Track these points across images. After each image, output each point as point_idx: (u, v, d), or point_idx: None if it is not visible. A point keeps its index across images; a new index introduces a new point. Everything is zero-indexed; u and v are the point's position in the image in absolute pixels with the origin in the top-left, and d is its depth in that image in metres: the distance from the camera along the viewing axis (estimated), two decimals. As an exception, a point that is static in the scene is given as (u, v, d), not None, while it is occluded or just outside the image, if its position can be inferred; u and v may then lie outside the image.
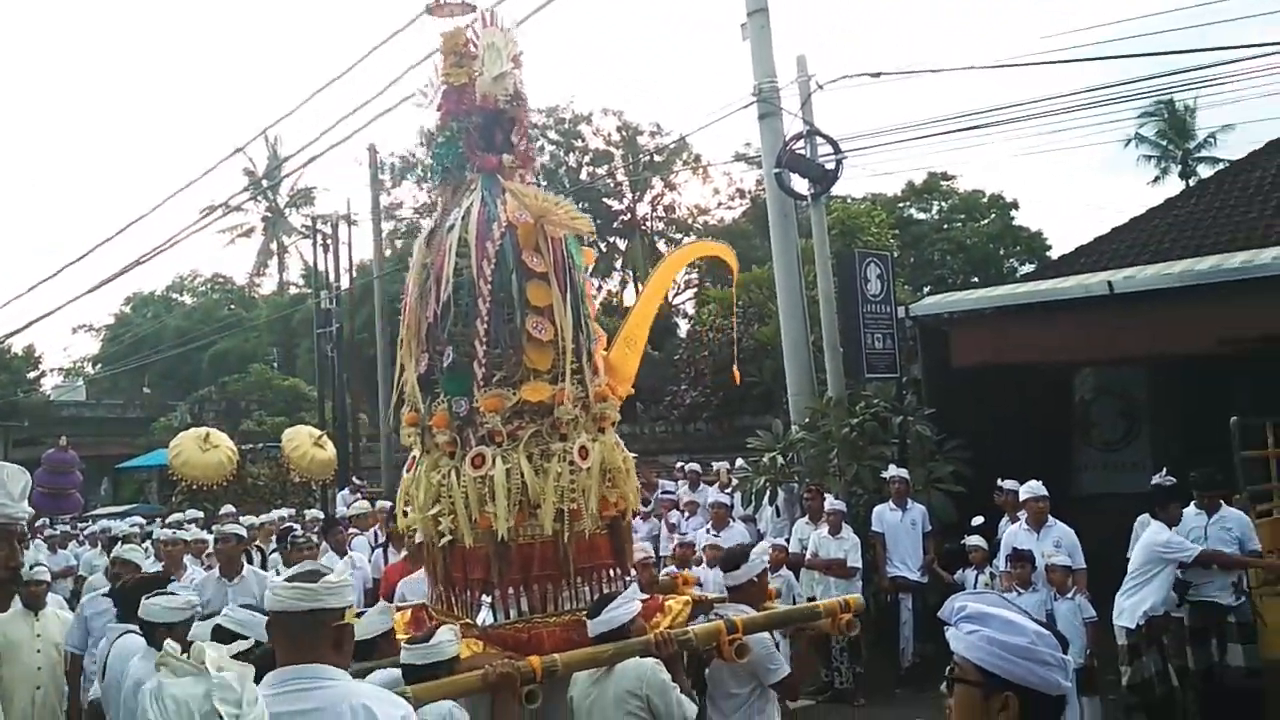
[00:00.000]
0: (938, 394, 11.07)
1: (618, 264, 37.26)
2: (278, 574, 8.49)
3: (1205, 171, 31.37)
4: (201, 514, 13.02)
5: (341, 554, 8.61)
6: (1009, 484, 8.84)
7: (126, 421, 32.56)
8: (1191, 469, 7.91)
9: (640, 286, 37.03)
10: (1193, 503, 7.58)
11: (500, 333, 4.94)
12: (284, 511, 13.76)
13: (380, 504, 12.50)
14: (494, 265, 4.92)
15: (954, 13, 62.95)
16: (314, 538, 8.16)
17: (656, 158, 35.23)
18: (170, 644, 2.40)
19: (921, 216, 33.31)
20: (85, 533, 15.74)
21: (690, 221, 36.62)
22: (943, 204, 34.46)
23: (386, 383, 22.46)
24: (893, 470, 9.93)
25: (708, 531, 9.76)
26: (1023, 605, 2.69)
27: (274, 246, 44.08)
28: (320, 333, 22.74)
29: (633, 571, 5.33)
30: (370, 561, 9.50)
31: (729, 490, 11.68)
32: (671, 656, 4.36)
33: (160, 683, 2.30)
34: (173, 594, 5.15)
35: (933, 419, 10.63)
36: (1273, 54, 11.40)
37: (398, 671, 4.10)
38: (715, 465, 13.28)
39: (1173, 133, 34.89)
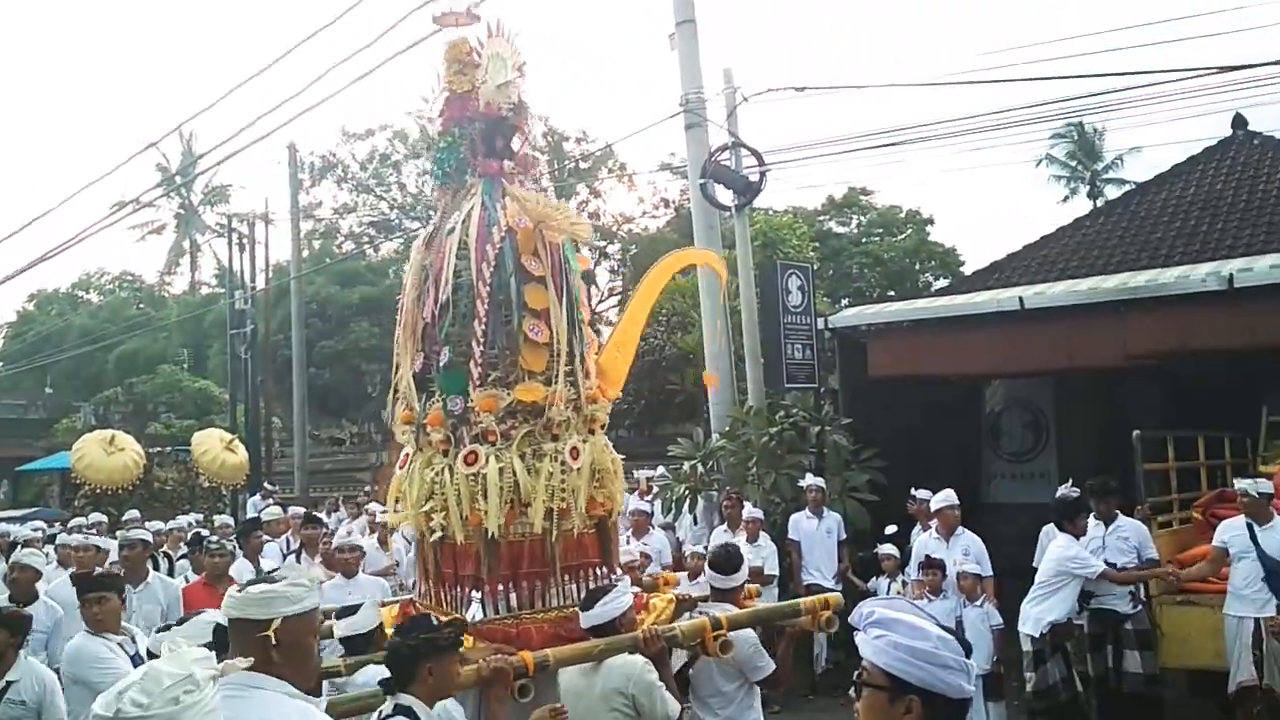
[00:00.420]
0: (854, 404, 11.25)
1: (541, 270, 37.18)
2: (186, 580, 8.28)
3: (1112, 192, 32.51)
4: (105, 519, 12.61)
5: (255, 560, 8.41)
6: (921, 493, 9.02)
7: (27, 423, 31.43)
8: (1106, 484, 8.18)
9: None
10: (1091, 514, 7.84)
11: (497, 334, 5.04)
12: (192, 517, 13.40)
13: (293, 510, 12.25)
14: (493, 268, 5.01)
15: (879, 31, 64.24)
16: (228, 544, 7.97)
17: (582, 164, 35.19)
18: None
19: (841, 230, 33.82)
20: (-19, 537, 15.10)
21: (615, 230, 36.65)
22: (861, 219, 35.04)
23: (302, 386, 22.08)
24: (810, 479, 10.05)
25: (627, 540, 9.76)
26: (933, 612, 2.75)
27: (186, 244, 42.95)
28: (234, 334, 22.23)
29: (619, 570, 5.41)
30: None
31: (649, 498, 11.71)
32: (659, 653, 4.43)
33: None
34: None
35: (849, 429, 10.80)
36: (1177, 80, 11.84)
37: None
38: (637, 473, 13.31)
39: (1082, 154, 36.09)
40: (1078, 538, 7.40)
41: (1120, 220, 14.36)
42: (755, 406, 11.78)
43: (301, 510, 12.09)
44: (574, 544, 4.99)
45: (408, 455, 5.32)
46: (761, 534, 9.46)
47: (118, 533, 9.64)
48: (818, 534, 9.77)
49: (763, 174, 12.74)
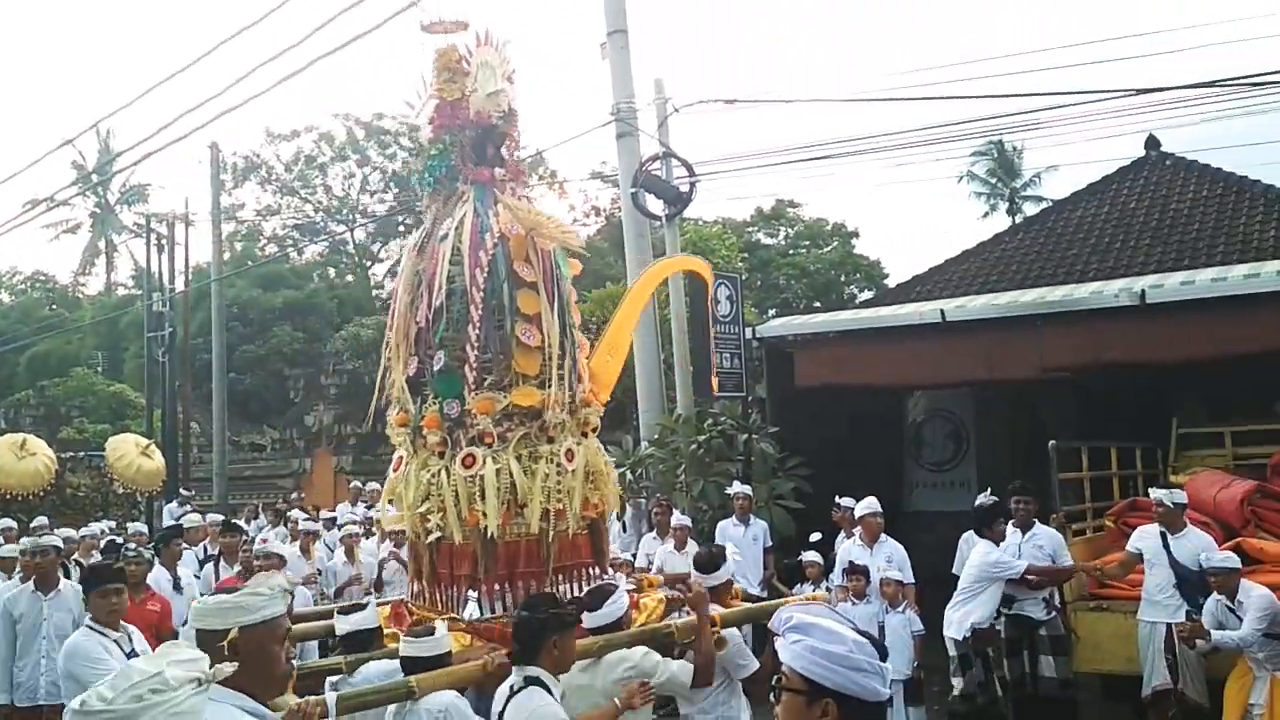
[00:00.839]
0: (781, 413, 11.38)
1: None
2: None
3: (1031, 209, 33.37)
4: (14, 525, 12.17)
5: (173, 568, 8.21)
6: (846, 501, 9.15)
7: (-70, 426, 30.16)
8: (1024, 489, 8.38)
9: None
10: (1010, 521, 8.03)
11: (491, 338, 5.13)
12: (105, 524, 13.02)
13: (211, 517, 11.98)
14: (486, 274, 5.09)
15: (810, 46, 65.13)
16: (144, 551, 7.76)
17: (512, 170, 35.06)
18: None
19: (769, 241, 34.18)
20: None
21: (544, 236, 36.59)
22: (789, 230, 35.47)
23: (222, 390, 21.58)
24: (737, 487, 10.13)
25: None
26: (856, 617, 2.80)
27: (102, 244, 41.74)
28: (151, 337, 21.66)
29: (610, 570, 5.50)
30: (200, 576, 9.08)
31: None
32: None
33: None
34: None
35: (776, 437, 10.91)
36: (1094, 101, 12.22)
37: (394, 663, 4.29)
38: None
39: (1001, 171, 37.00)
40: (996, 543, 7.57)
41: (1038, 237, 14.76)
42: (684, 415, 11.84)
43: (220, 518, 11.82)
44: (568, 544, 5.09)
45: (401, 458, 5.36)
46: (690, 541, 9.51)
47: (24, 540, 9.33)
48: (744, 541, 9.83)
49: (693, 184, 12.84)
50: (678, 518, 9.70)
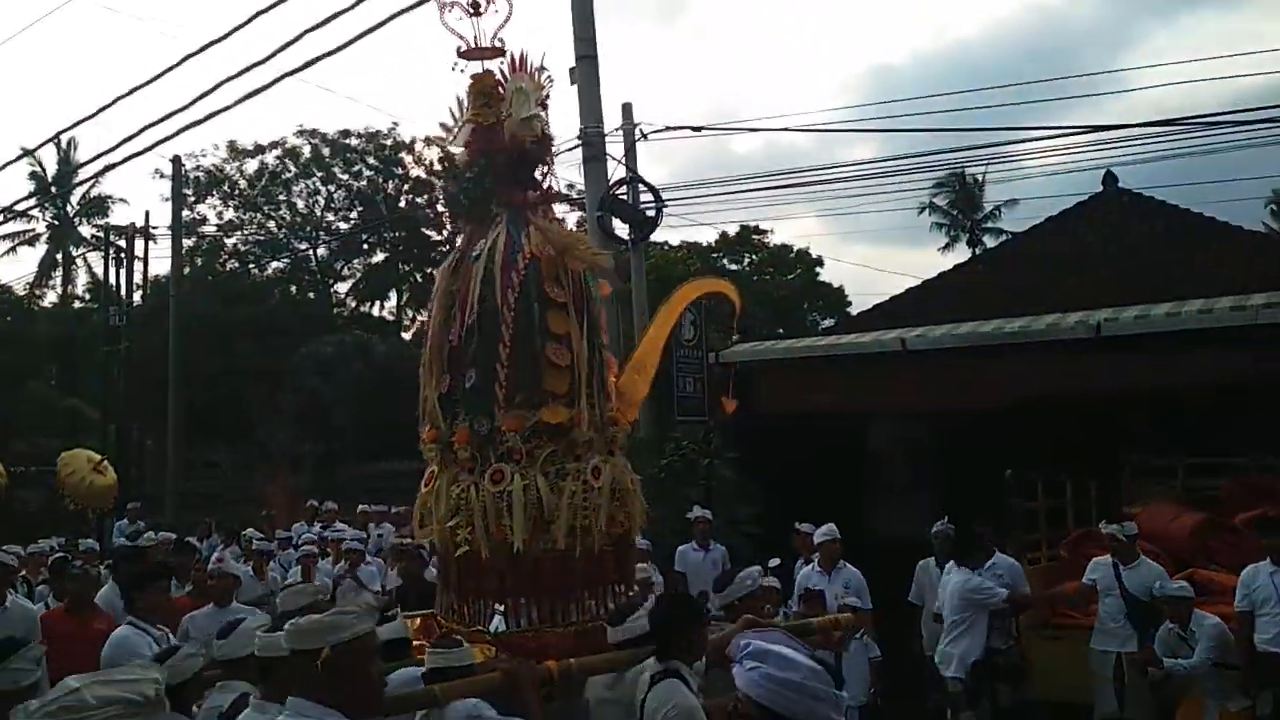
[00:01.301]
0: (742, 439, 11.42)
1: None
2: (46, 606, 7.87)
3: (991, 241, 33.88)
4: (-41, 541, 11.91)
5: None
6: (805, 526, 9.18)
7: (-123, 438, 29.44)
8: (971, 517, 8.47)
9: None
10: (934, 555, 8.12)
11: (522, 357, 5.21)
12: (54, 541, 12.77)
13: (164, 535, 11.79)
14: (517, 294, 5.22)
15: (779, 73, 65.82)
16: (90, 569, 7.63)
17: (479, 191, 35.01)
18: None
19: (733, 267, 34.40)
20: None
21: (509, 257, 36.54)
22: (753, 257, 35.72)
23: (179, 406, 21.30)
24: (697, 511, 10.13)
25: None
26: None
27: (60, 257, 41.10)
28: (108, 351, 21.35)
29: (636, 588, 5.57)
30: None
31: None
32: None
33: None
34: None
35: (736, 462, 10.94)
36: (1054, 137, 12.46)
37: (416, 671, 4.40)
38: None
39: (962, 203, 37.52)
40: (973, 569, 7.59)
41: (997, 269, 14.99)
42: (645, 438, 11.85)
43: (172, 535, 11.64)
44: (594, 561, 5.14)
45: (432, 473, 5.48)
46: (649, 565, 9.48)
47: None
48: (703, 565, 9.83)
49: (659, 209, 12.92)
50: (637, 541, 9.66)
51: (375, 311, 36.69)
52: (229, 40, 7.51)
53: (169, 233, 23.19)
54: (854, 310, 26.11)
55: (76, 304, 38.13)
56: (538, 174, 5.73)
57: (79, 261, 39.56)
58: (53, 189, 34.55)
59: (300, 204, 35.05)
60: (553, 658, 4.48)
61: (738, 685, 2.24)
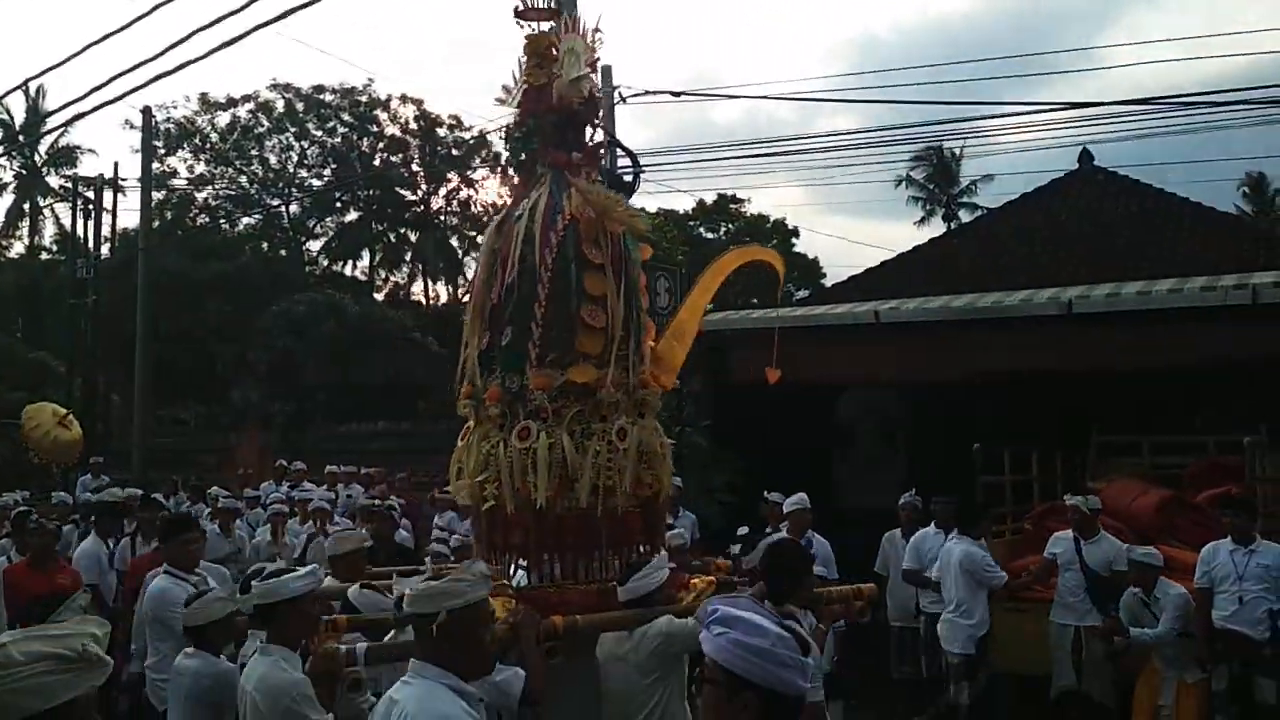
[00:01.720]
0: (715, 407, 11.44)
1: (407, 256, 36.39)
2: (9, 560, 7.80)
3: (966, 216, 34.01)
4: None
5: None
6: (774, 496, 9.22)
7: None
8: (940, 489, 8.54)
9: (430, 281, 36.42)
10: (933, 523, 8.16)
11: (557, 317, 5.26)
12: (17, 495, 12.63)
13: (129, 491, 11.69)
14: (555, 255, 5.25)
15: (761, 41, 65.47)
16: (47, 523, 7.57)
17: (455, 152, 34.68)
18: None
19: (710, 236, 34.37)
20: None
21: (486, 219, 36.23)
22: (730, 226, 35.68)
23: (146, 361, 21.06)
24: (668, 478, 10.13)
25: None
26: (781, 611, 2.82)
27: (27, 207, 40.41)
28: (75, 304, 21.05)
29: (662, 550, 5.54)
30: (116, 551, 8.83)
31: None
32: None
33: None
34: None
35: (710, 431, 10.97)
36: (1031, 113, 12.45)
37: None
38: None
39: (939, 177, 37.61)
40: (977, 539, 7.60)
41: (972, 244, 15.03)
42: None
43: (138, 492, 11.54)
44: (619, 521, 5.18)
45: (468, 429, 5.55)
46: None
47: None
48: (673, 534, 9.86)
49: (637, 175, 12.78)
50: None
51: (348, 271, 36.39)
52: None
53: (138, 185, 22.76)
54: (829, 281, 26.16)
55: (43, 255, 37.57)
56: (585, 135, 5.73)
57: (46, 212, 38.94)
58: (20, 137, 33.90)
59: (273, 159, 34.61)
60: (573, 613, 4.54)
61: (705, 651, 2.24)
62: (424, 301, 36.21)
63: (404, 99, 34.36)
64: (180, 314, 26.43)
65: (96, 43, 8.50)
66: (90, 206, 22.43)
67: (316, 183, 34.65)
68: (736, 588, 5.36)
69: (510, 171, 33.73)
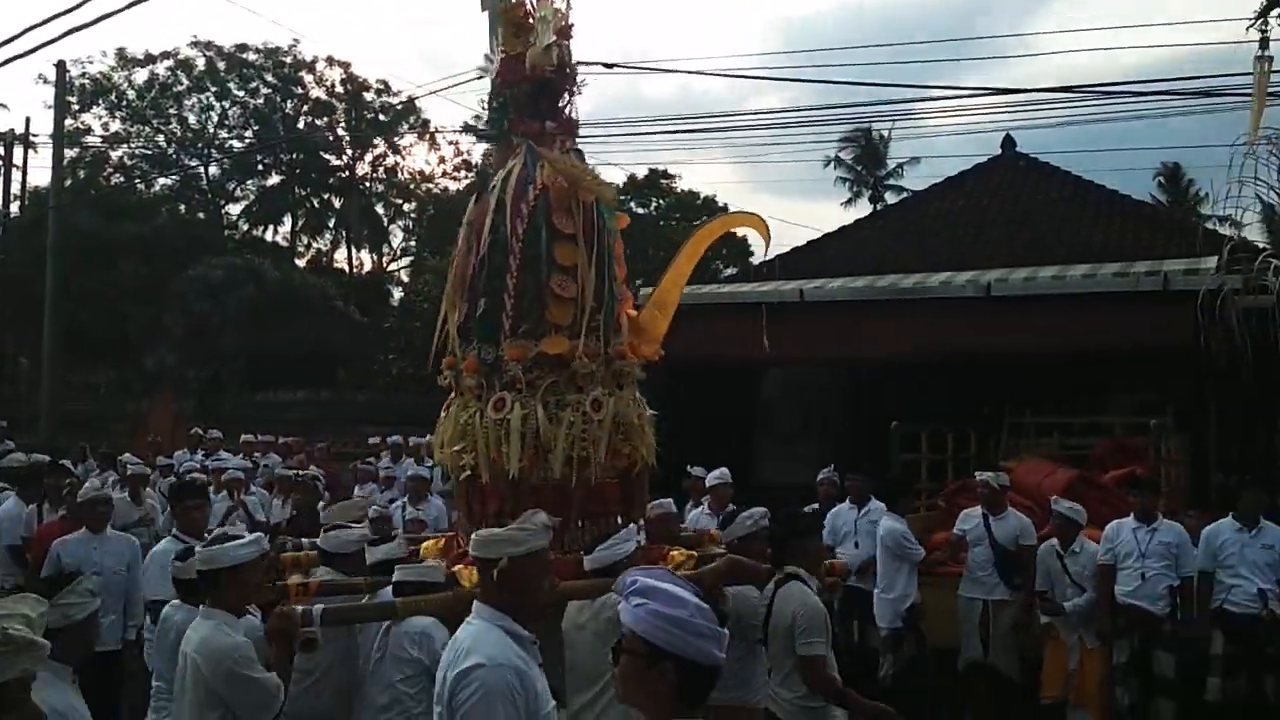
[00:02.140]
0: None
1: (330, 222, 35.69)
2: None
3: (892, 198, 34.46)
4: None
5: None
6: (697, 470, 9.30)
7: None
8: (857, 465, 8.69)
9: (353, 249, 35.82)
10: (847, 499, 8.31)
11: (528, 288, 5.31)
12: (-84, 459, 12.14)
13: (36, 456, 11.32)
14: (526, 225, 5.29)
15: (695, 16, 65.31)
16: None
17: (382, 117, 34.03)
18: None
19: (641, 211, 34.31)
20: None
21: (413, 187, 35.71)
22: (660, 201, 35.65)
23: (56, 324, 20.39)
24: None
25: (403, 505, 9.61)
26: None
27: (-71, 160, 38.73)
28: (-21, 262, 20.25)
29: (641, 520, 5.58)
30: (24, 519, 8.55)
31: (429, 464, 11.53)
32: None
33: None
34: None
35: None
36: (957, 98, 12.65)
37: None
38: (415, 440, 13.08)
39: (867, 159, 38.02)
40: (903, 515, 7.71)
41: (896, 226, 15.25)
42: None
43: (45, 458, 11.18)
44: (594, 492, 5.25)
45: (450, 400, 5.64)
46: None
47: None
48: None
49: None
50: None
51: (268, 236, 35.56)
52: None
53: (50, 142, 21.94)
54: (756, 260, 26.32)
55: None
56: (559, 104, 5.73)
57: (-50, 167, 37.36)
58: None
59: (192, 119, 33.59)
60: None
61: (623, 621, 2.26)
62: (347, 269, 35.57)
63: (331, 61, 33.63)
64: (92, 275, 25.57)
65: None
66: (0, 162, 21.56)
67: (237, 144, 33.75)
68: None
69: (472, 141, 33.36)
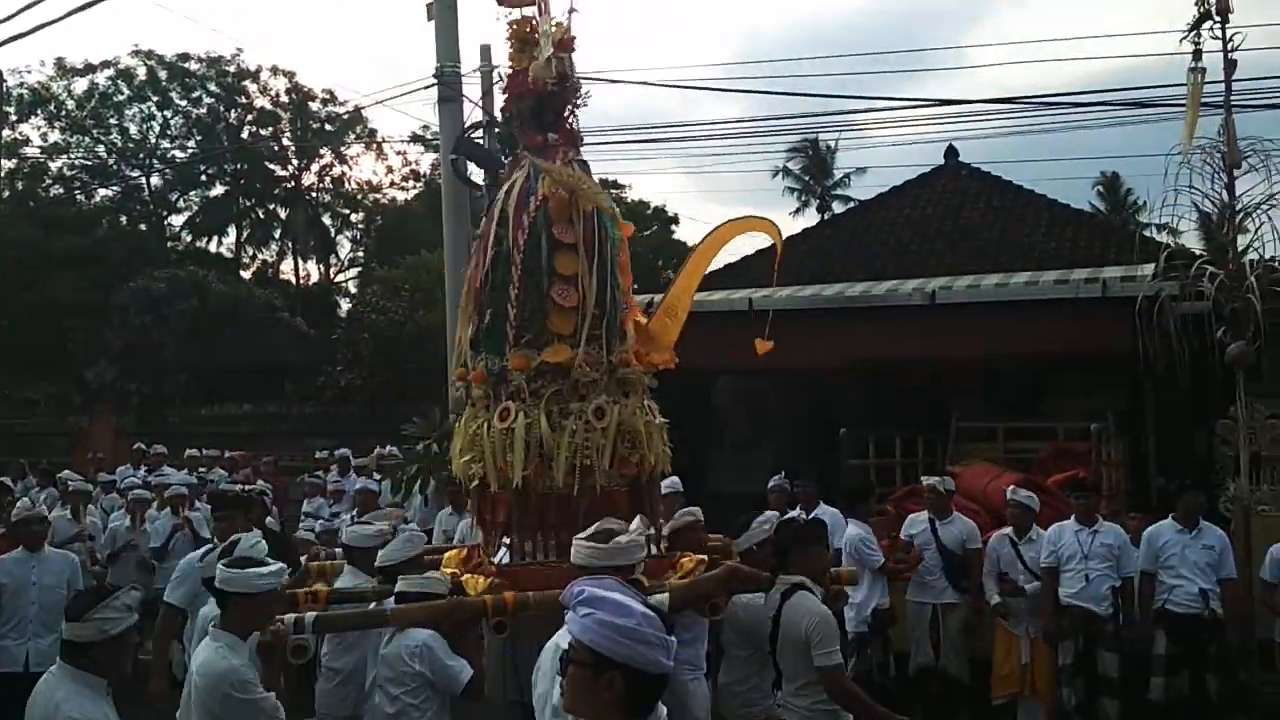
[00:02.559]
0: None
1: (276, 233, 35.23)
2: None
3: (840, 207, 34.82)
4: None
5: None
6: (648, 480, 9.28)
7: None
8: (807, 472, 8.76)
9: (300, 260, 35.37)
10: (798, 505, 8.37)
11: (529, 298, 5.40)
12: None
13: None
14: (527, 236, 5.38)
15: (645, 28, 65.53)
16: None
17: (328, 127, 33.70)
18: None
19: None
20: None
21: (360, 197, 35.38)
22: (611, 211, 35.66)
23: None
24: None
25: (351, 519, 9.51)
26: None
27: None
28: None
29: (652, 530, 5.58)
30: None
31: (378, 478, 11.42)
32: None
33: None
34: None
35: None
36: (901, 109, 12.83)
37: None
38: (353, 459, 12.97)
39: (815, 169, 38.40)
40: (866, 521, 7.74)
41: (843, 235, 15.40)
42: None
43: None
44: (601, 501, 5.23)
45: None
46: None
47: None
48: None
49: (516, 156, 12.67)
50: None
51: (212, 247, 35.02)
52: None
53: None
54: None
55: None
56: (562, 116, 5.82)
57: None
58: None
59: (133, 129, 32.99)
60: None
61: (570, 632, 2.25)
62: (294, 280, 35.12)
63: (275, 70, 33.23)
64: (31, 289, 25.01)
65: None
66: (-71, 172, 21.01)
67: (180, 154, 33.20)
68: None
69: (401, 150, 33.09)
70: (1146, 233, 12.82)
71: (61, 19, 7.62)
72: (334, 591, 5.18)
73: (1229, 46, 8.29)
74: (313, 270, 36.23)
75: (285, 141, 33.51)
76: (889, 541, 7.77)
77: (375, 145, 34.01)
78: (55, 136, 32.45)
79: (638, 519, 5.50)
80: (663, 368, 5.98)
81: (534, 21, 5.74)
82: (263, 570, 4.19)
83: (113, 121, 32.59)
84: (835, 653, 4.46)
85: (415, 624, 4.64)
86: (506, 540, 5.45)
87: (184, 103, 32.80)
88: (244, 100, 33.32)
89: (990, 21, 63.74)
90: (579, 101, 5.93)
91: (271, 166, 33.99)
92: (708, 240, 6.62)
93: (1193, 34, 8.34)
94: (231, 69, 32.71)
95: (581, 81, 5.95)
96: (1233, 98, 8.56)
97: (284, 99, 33.57)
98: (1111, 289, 9.53)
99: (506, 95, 5.89)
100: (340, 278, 36.24)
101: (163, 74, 32.13)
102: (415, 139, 31.44)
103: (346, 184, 35.17)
